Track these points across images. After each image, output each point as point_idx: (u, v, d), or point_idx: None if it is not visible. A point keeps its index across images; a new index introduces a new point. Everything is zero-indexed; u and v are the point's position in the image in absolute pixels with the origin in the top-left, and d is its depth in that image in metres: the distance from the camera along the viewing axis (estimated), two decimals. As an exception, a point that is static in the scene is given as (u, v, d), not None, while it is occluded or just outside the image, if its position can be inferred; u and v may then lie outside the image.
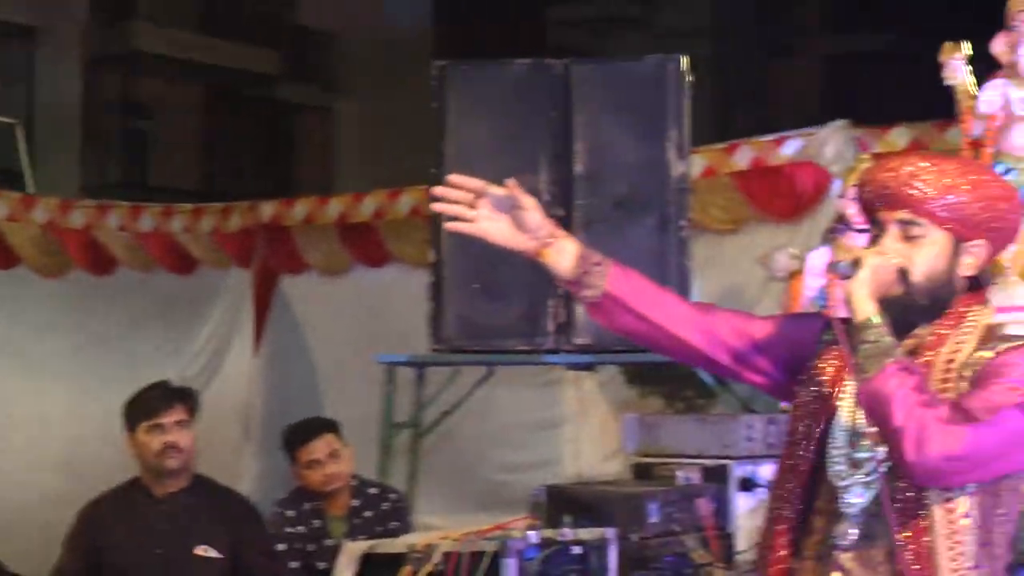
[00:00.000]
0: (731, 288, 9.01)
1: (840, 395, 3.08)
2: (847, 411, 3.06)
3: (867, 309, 2.93)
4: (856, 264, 2.98)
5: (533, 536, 5.11)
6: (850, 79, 27.57)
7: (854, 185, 5.80)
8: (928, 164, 2.99)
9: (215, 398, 10.40)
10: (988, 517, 2.97)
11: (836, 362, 3.10)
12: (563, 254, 3.10)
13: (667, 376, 8.49)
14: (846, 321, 2.98)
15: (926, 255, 2.99)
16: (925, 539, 2.92)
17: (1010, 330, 3.11)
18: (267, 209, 10.73)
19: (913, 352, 3.01)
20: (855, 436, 3.03)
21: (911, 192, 2.96)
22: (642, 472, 6.40)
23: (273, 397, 10.48)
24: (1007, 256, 6.27)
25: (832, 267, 3.02)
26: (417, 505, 8.03)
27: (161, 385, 6.21)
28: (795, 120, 10.53)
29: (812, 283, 5.78)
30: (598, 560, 5.17)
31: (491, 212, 3.14)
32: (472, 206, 3.15)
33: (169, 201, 12.04)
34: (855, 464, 3.01)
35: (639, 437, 6.76)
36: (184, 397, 6.13)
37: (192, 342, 10.89)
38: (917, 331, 3.04)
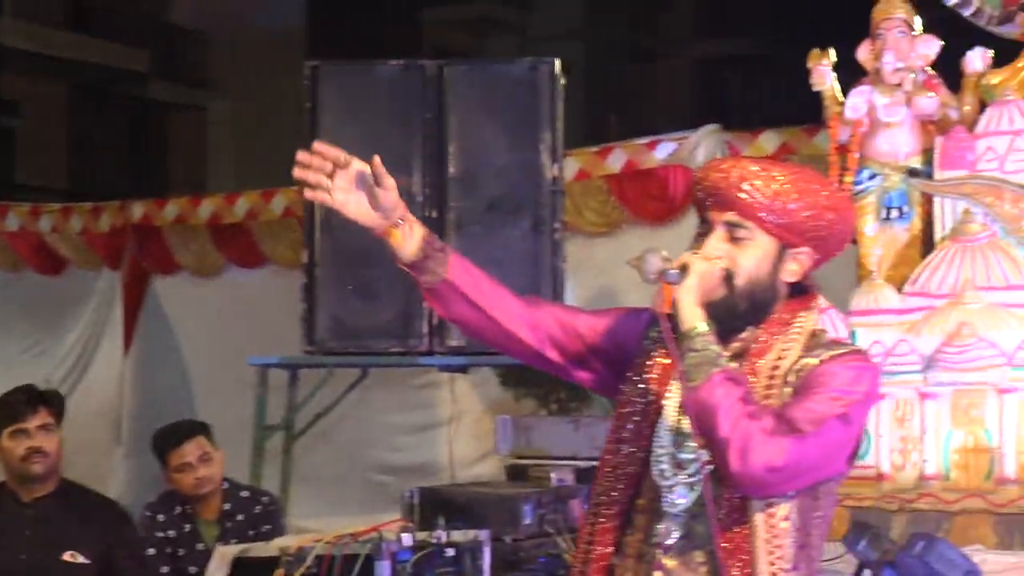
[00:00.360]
0: (604, 290, 9.08)
1: (666, 395, 3.09)
2: (673, 411, 3.07)
3: (694, 316, 2.95)
4: (684, 270, 3.00)
5: (406, 538, 5.11)
6: (721, 83, 27.92)
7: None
8: (759, 169, 3.01)
9: (84, 401, 10.29)
10: (807, 520, 3.00)
11: (662, 360, 3.11)
12: (409, 238, 3.07)
13: (541, 378, 8.52)
14: (673, 325, 2.99)
15: (750, 258, 3.00)
16: (745, 542, 2.94)
17: (834, 335, 3.18)
18: (138, 209, 10.61)
19: (739, 356, 3.04)
20: (680, 437, 3.03)
21: (740, 195, 2.98)
22: (516, 474, 6.43)
23: (144, 399, 10.37)
24: (873, 260, 6.40)
25: (661, 274, 3.02)
26: (290, 508, 7.99)
27: (26, 389, 6.10)
28: (667, 124, 10.67)
29: (683, 285, 5.84)
30: (472, 562, 5.19)
31: (348, 185, 3.10)
32: (331, 176, 3.11)
33: (37, 200, 11.86)
34: (679, 465, 3.02)
35: (513, 439, 6.78)
36: (49, 401, 6.03)
37: (60, 344, 10.74)
38: (743, 335, 3.06)
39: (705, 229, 3.07)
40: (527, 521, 5.49)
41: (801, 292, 3.11)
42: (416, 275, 3.12)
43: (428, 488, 5.92)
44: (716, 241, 3.02)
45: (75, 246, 10.85)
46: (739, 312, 3.02)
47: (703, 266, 2.99)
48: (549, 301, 3.29)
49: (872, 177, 6.42)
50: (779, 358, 3.01)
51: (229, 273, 10.43)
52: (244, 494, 6.55)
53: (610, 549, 3.08)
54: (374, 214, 3.07)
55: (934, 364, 5.93)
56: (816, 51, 6.55)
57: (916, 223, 6.40)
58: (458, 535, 5.15)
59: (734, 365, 2.99)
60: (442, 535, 5.11)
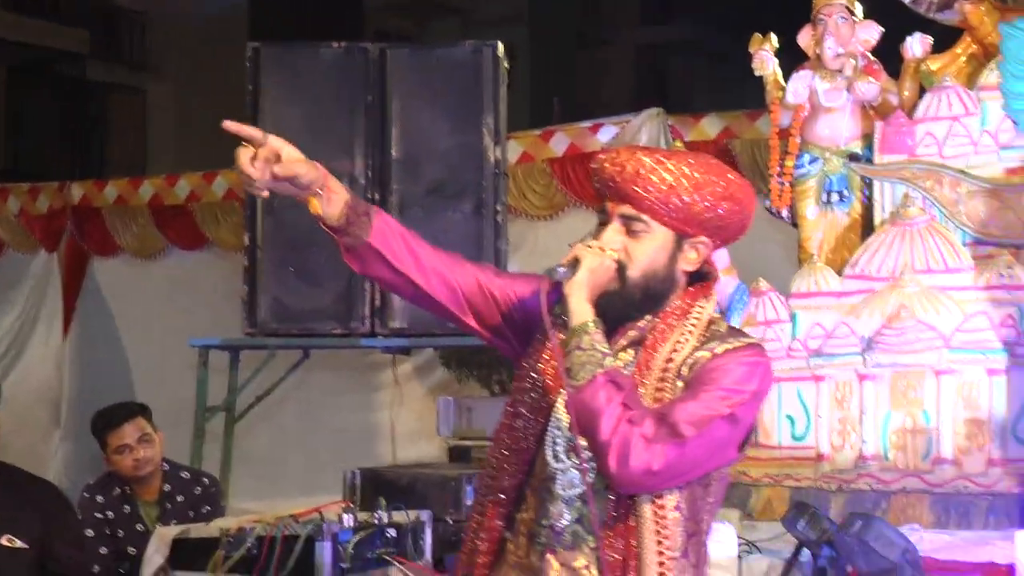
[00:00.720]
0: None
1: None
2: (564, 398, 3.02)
3: (583, 313, 2.93)
4: (575, 265, 2.97)
5: (348, 519, 5.10)
6: (663, 68, 27.97)
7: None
8: (652, 163, 2.98)
9: (20, 383, 10.22)
10: (697, 508, 3.01)
11: (558, 342, 3.05)
12: (329, 204, 3.04)
13: (483, 359, 8.55)
14: (562, 319, 2.98)
15: (645, 250, 2.99)
16: (632, 534, 2.94)
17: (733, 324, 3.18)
18: (77, 190, 10.55)
19: (635, 345, 3.05)
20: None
21: (635, 189, 2.96)
22: (458, 454, 6.45)
23: (83, 381, 10.32)
24: (814, 244, 6.45)
25: (549, 271, 2.98)
26: (231, 490, 7.97)
27: (-41, 374, 6.05)
28: (610, 108, 10.68)
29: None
30: (413, 543, 5.18)
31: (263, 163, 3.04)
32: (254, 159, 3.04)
33: (-28, 181, 11.73)
34: (573, 449, 2.99)
35: (455, 420, 6.80)
36: (-18, 385, 5.98)
37: (-4, 326, 10.67)
38: (640, 324, 3.05)
39: (604, 219, 3.05)
40: (469, 502, 5.50)
41: (701, 279, 3.11)
42: (338, 238, 3.09)
43: (370, 469, 5.92)
44: (613, 233, 3.00)
45: (12, 228, 10.77)
46: (634, 303, 3.02)
47: (593, 261, 2.96)
48: (477, 263, 3.21)
49: (813, 161, 6.47)
50: (673, 350, 2.99)
51: (170, 255, 10.39)
52: (184, 475, 6.52)
53: (502, 523, 3.07)
54: (292, 188, 3.03)
55: (873, 346, 5.98)
56: (757, 36, 6.58)
57: (856, 207, 6.45)
58: (399, 516, 5.15)
59: (620, 364, 2.98)
60: (383, 516, 5.10)
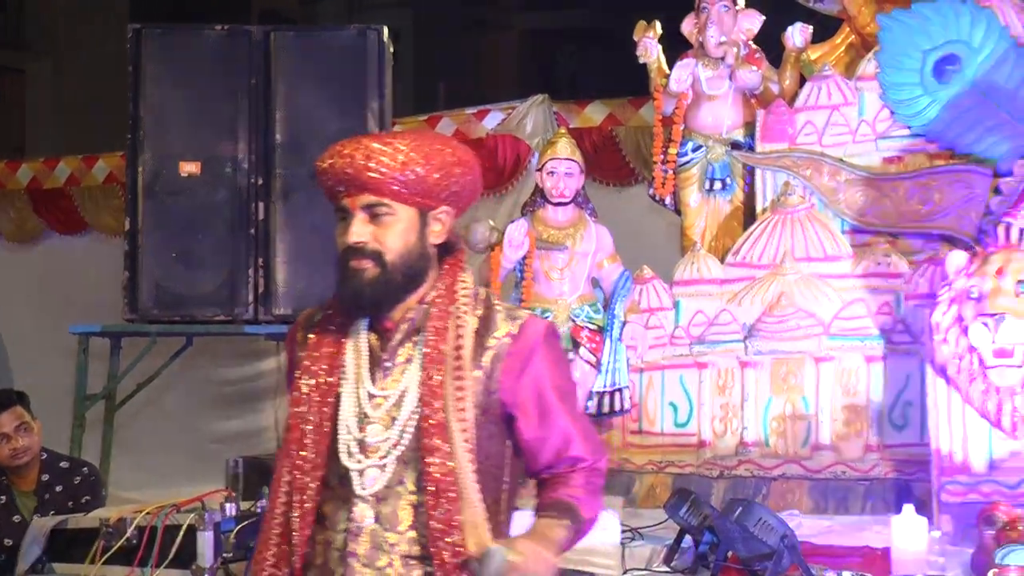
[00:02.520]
0: (431, 259, 9.09)
1: (342, 381, 3.08)
2: (350, 397, 3.06)
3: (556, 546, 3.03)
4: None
5: (230, 508, 5.07)
6: (549, 54, 28.00)
7: (551, 158, 5.91)
8: (381, 145, 3.01)
9: None
10: (494, 494, 3.08)
11: (330, 350, 3.10)
12: None
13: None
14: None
15: (396, 234, 3.02)
16: (453, 519, 2.96)
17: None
18: (-48, 173, 10.36)
19: (411, 336, 3.07)
20: (362, 420, 3.03)
21: (370, 175, 2.98)
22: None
23: (-41, 369, 10.13)
24: (696, 231, 6.50)
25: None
26: (114, 479, 7.86)
27: None
28: (496, 94, 10.68)
29: (511, 255, 5.87)
30: (296, 531, 5.15)
31: None
32: None
33: None
34: (366, 449, 3.01)
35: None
36: None
37: None
38: (411, 314, 3.07)
39: (344, 216, 3.06)
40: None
41: (448, 250, 3.15)
42: None
43: (252, 457, 5.89)
44: (359, 225, 3.01)
45: None
46: (398, 286, 3.04)
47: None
48: None
49: (696, 149, 6.52)
50: (458, 336, 3.04)
51: (49, 239, 10.25)
52: (63, 465, 6.44)
53: (307, 532, 3.06)
54: None
55: (755, 333, 6.05)
56: (642, 23, 6.61)
57: (738, 195, 6.51)
58: (282, 504, 5.11)
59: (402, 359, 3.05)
60: (266, 505, 5.07)
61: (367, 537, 3.00)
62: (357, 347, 3.08)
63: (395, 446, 2.99)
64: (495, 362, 3.04)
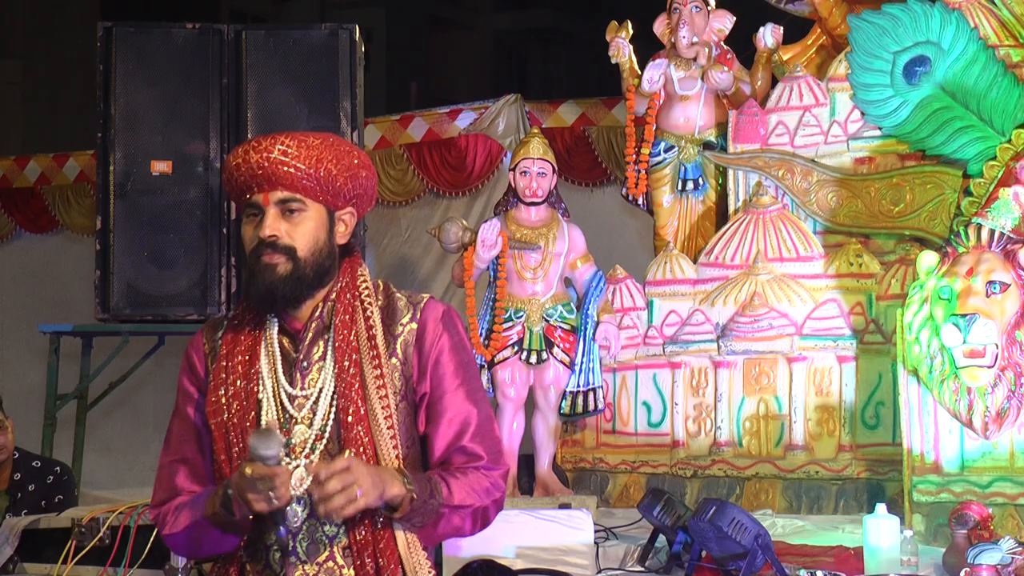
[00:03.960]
0: (405, 260, 9.09)
1: (259, 386, 3.07)
2: (271, 401, 3.06)
3: (397, 488, 2.91)
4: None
5: (203, 508, 5.05)
6: (521, 54, 28.04)
7: (524, 158, 5.92)
8: (295, 143, 3.05)
9: None
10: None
11: (243, 357, 3.09)
12: None
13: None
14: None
15: (307, 229, 3.06)
16: (383, 530, 2.99)
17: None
18: (-79, 172, 10.29)
19: (322, 335, 3.06)
20: (286, 423, 3.03)
21: (286, 170, 3.02)
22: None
23: (-72, 368, 10.07)
24: (669, 232, 6.52)
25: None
26: (87, 478, 7.83)
27: None
28: (468, 93, 10.69)
29: (484, 255, 5.86)
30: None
31: None
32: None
33: None
34: (292, 449, 3.01)
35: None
36: None
37: None
38: (316, 312, 3.09)
39: (254, 212, 3.07)
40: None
41: (347, 251, 3.17)
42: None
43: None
44: (272, 221, 3.03)
45: None
46: (308, 282, 3.06)
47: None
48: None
49: (669, 149, 6.53)
50: (368, 326, 3.06)
51: (19, 238, 10.20)
52: (36, 464, 6.42)
53: (242, 545, 3.06)
54: None
55: (727, 333, 6.06)
56: (614, 24, 6.62)
57: (711, 195, 6.53)
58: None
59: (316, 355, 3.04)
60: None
61: (304, 534, 3.01)
62: (270, 351, 3.08)
63: (318, 441, 3.00)
64: (406, 348, 3.08)
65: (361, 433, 2.99)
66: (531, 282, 5.84)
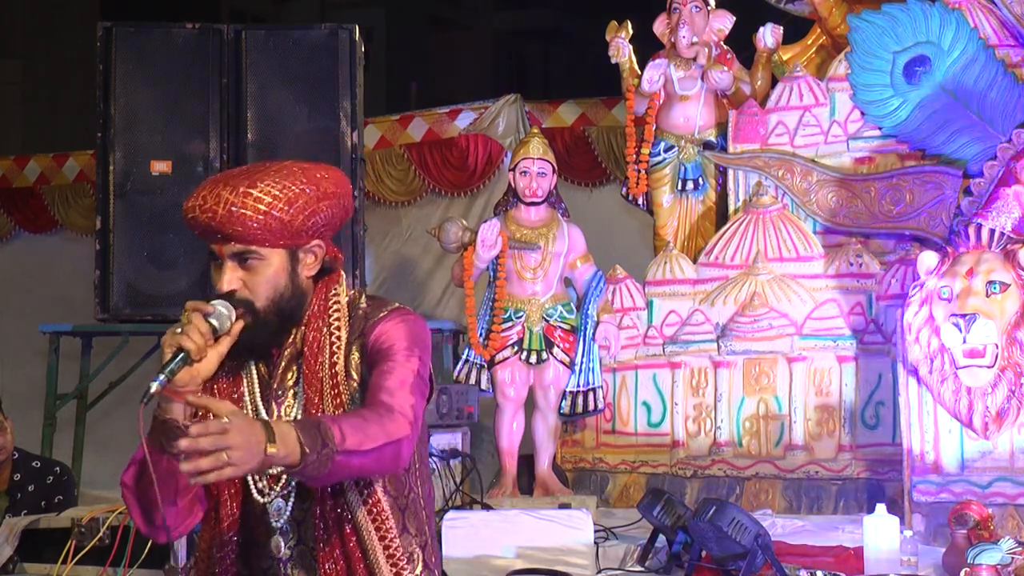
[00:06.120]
0: (405, 260, 9.09)
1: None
2: None
3: (291, 447, 2.73)
4: (182, 358, 2.84)
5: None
6: (521, 54, 28.04)
7: (524, 158, 5.92)
8: (237, 195, 2.92)
9: None
10: (401, 485, 3.04)
11: (225, 385, 3.07)
12: None
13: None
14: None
15: (265, 278, 2.98)
16: (351, 539, 2.97)
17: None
18: (-79, 171, 10.29)
19: (295, 361, 3.04)
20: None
21: (234, 228, 2.93)
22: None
23: (-71, 368, 10.07)
24: (669, 231, 6.52)
25: (148, 393, 2.79)
26: (87, 479, 7.83)
27: None
28: (468, 93, 10.68)
29: (484, 255, 5.87)
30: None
31: None
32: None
33: None
34: (273, 479, 3.01)
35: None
36: None
37: None
38: (292, 339, 3.05)
39: (214, 259, 3.02)
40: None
41: (325, 271, 3.11)
42: None
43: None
44: (229, 274, 2.98)
45: None
46: (274, 329, 3.01)
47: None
48: None
49: (668, 149, 6.53)
50: (332, 354, 3.01)
51: (19, 238, 10.20)
52: (35, 464, 6.41)
53: (235, 569, 3.07)
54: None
55: (727, 333, 6.06)
56: (614, 24, 6.62)
57: (711, 195, 6.53)
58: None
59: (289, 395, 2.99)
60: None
61: (296, 562, 3.02)
62: (249, 379, 3.06)
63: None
64: (359, 368, 3.01)
65: None
66: (531, 282, 5.84)
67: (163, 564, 4.99)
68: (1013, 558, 4.20)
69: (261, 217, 2.93)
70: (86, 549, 5.19)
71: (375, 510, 2.99)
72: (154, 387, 2.75)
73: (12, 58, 23.24)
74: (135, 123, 7.11)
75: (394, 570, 2.99)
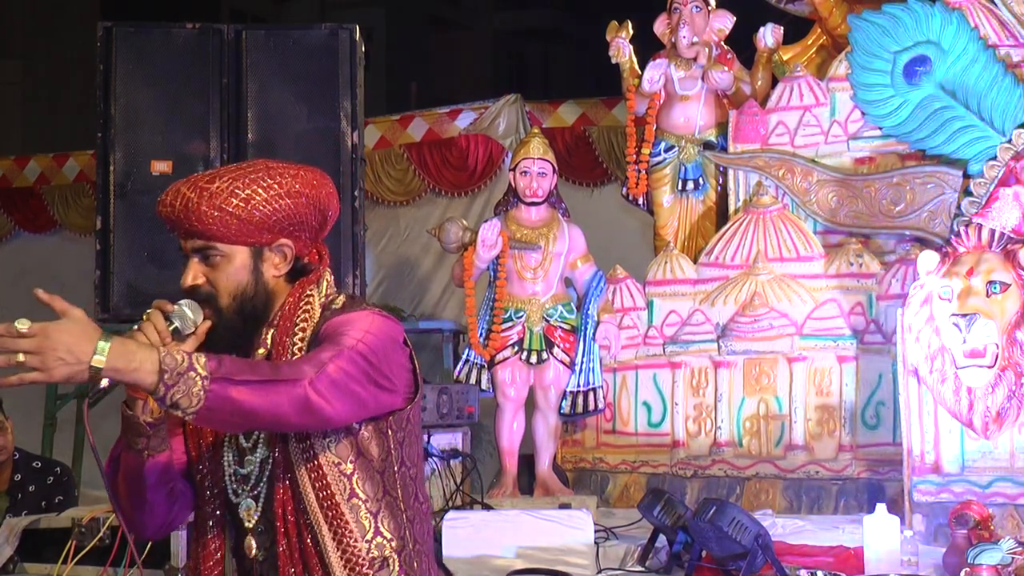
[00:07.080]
0: (405, 260, 9.09)
1: None
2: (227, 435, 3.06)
3: (148, 362, 2.71)
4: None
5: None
6: (521, 54, 28.04)
7: (524, 158, 5.92)
8: (196, 195, 2.94)
9: None
10: (369, 472, 2.97)
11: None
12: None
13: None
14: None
15: (226, 274, 2.98)
16: (307, 541, 2.93)
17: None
18: (-79, 171, 10.30)
19: (267, 359, 3.00)
20: (241, 454, 3.02)
21: (193, 224, 2.94)
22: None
23: (-72, 369, 10.07)
24: (669, 231, 6.52)
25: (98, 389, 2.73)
26: (87, 478, 7.83)
27: None
28: (469, 93, 10.69)
29: (484, 255, 5.87)
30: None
31: None
32: None
33: None
34: (243, 480, 3.01)
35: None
36: None
37: None
38: (262, 339, 3.01)
39: (183, 254, 3.03)
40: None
41: (304, 272, 3.07)
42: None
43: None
44: (193, 269, 2.99)
45: None
46: (237, 328, 2.99)
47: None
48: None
49: (669, 149, 6.53)
50: (295, 355, 2.96)
51: (19, 238, 10.20)
52: (36, 464, 6.41)
53: (218, 569, 3.08)
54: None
55: (727, 333, 6.06)
56: (614, 24, 6.62)
57: (711, 195, 6.53)
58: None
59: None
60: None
61: (270, 564, 3.00)
62: None
63: (262, 474, 2.98)
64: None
65: (281, 473, 2.94)
66: (531, 282, 5.84)
67: (164, 564, 4.99)
68: (1013, 558, 4.20)
69: (216, 213, 2.93)
70: (86, 549, 5.19)
71: (331, 513, 2.94)
72: (104, 383, 2.71)
73: (12, 58, 23.24)
74: (135, 123, 7.10)
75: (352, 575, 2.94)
